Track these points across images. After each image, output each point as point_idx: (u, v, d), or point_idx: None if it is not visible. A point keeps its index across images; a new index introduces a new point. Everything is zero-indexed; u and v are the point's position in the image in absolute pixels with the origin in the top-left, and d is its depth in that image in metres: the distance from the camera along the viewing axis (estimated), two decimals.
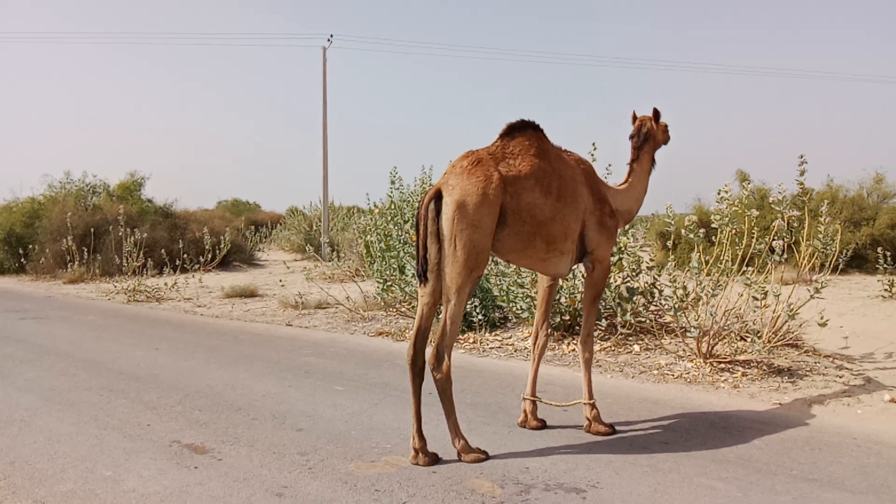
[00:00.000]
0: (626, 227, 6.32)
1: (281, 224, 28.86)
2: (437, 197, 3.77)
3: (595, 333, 6.85)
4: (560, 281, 5.98)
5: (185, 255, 15.09)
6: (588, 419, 4.35)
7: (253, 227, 25.86)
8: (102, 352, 7.29)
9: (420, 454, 3.76)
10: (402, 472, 3.64)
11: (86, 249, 16.52)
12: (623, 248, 7.05)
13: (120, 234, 14.63)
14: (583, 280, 7.18)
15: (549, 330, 4.61)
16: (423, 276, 3.82)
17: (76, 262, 16.39)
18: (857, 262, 14.27)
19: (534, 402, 4.47)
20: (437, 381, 3.76)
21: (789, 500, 3.29)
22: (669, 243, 7.22)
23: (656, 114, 4.76)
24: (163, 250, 15.32)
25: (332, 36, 25.43)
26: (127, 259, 14.15)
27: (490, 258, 4.04)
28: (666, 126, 4.86)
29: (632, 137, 4.76)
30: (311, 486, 3.47)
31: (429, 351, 3.79)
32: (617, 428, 4.38)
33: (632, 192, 4.69)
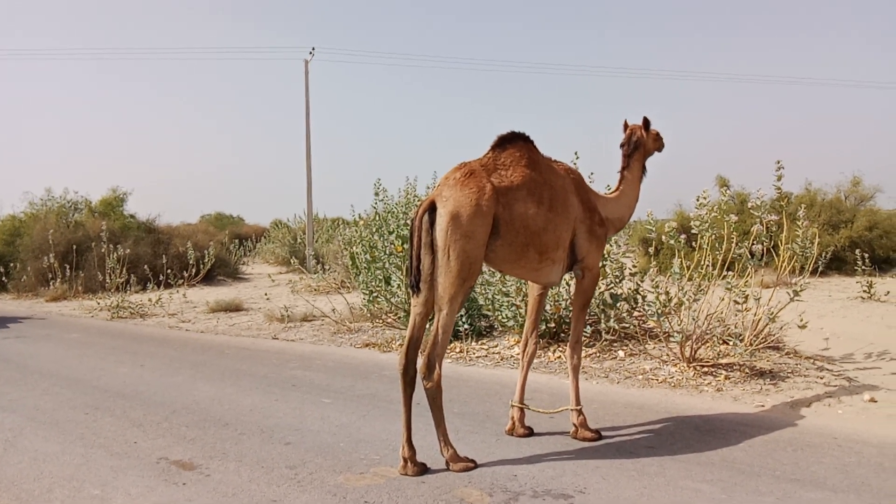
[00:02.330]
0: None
1: (265, 237, 28.78)
2: (432, 208, 3.84)
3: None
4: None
5: (169, 271, 15.02)
6: (575, 425, 4.39)
7: (237, 241, 25.73)
8: (87, 369, 7.23)
9: (409, 464, 3.78)
10: (390, 482, 3.66)
11: (68, 266, 16.38)
12: (606, 255, 7.12)
13: (102, 250, 14.52)
14: (567, 287, 7.27)
15: (538, 338, 4.66)
16: (415, 287, 3.87)
17: (58, 280, 16.23)
18: (837, 264, 14.49)
19: (521, 410, 4.50)
20: (428, 390, 3.79)
21: (773, 500, 3.35)
22: (651, 249, 7.30)
23: (646, 122, 4.84)
24: (146, 266, 15.23)
25: (314, 48, 25.44)
26: (110, 275, 14.03)
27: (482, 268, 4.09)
28: (657, 134, 4.93)
29: (622, 146, 4.83)
30: (300, 500, 3.47)
31: (420, 360, 3.83)
32: (603, 433, 4.43)
33: (622, 200, 4.76)
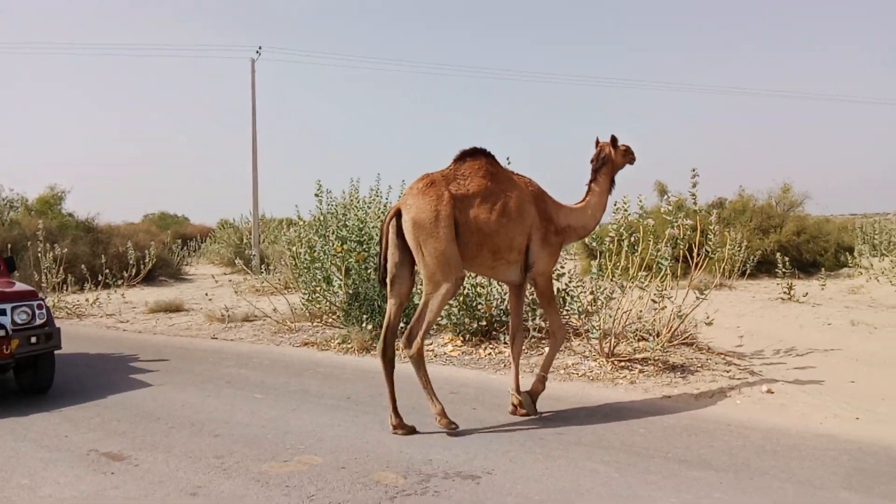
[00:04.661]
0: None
1: (211, 237, 28.40)
2: (398, 215, 4.52)
3: (502, 338, 7.31)
4: (492, 287, 6.34)
5: (108, 271, 14.79)
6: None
7: (181, 241, 25.35)
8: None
9: (399, 428, 4.53)
10: (312, 469, 3.88)
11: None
12: None
13: (39, 249, 14.23)
14: (500, 287, 7.60)
15: (523, 333, 5.22)
16: (382, 281, 4.67)
17: None
18: (767, 267, 15.19)
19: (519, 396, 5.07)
20: (411, 359, 4.54)
21: (660, 478, 3.70)
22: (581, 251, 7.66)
23: (614, 140, 5.31)
24: (84, 266, 14.96)
25: (260, 48, 25.25)
26: (46, 275, 13.77)
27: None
28: (627, 149, 5.40)
29: (591, 161, 5.32)
30: (224, 486, 3.66)
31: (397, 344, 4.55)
32: (519, 423, 4.75)
33: (587, 211, 5.24)
